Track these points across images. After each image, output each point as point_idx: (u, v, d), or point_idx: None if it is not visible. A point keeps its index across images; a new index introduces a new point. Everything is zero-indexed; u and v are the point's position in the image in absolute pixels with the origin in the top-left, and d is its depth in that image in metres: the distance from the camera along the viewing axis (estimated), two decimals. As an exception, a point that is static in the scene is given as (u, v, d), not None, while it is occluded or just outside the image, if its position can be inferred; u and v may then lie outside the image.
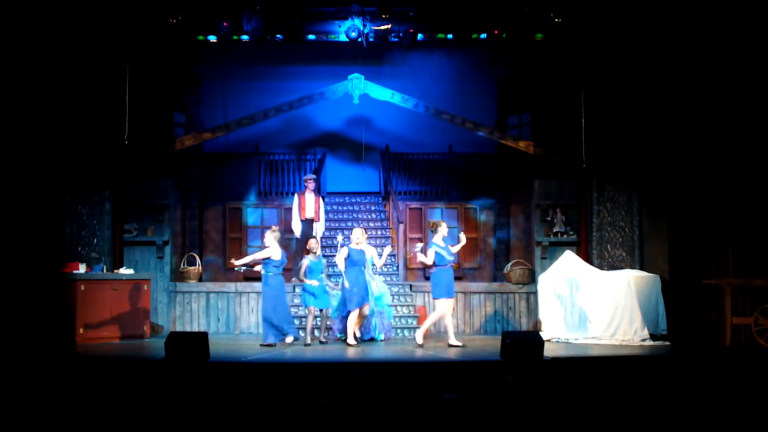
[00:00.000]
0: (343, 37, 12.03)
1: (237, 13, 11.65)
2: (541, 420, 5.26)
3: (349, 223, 13.81)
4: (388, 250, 10.83)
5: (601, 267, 11.50)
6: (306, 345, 10.14)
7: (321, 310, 10.54)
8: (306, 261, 10.50)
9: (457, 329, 11.61)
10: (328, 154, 14.90)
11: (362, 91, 12.18)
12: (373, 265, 10.77)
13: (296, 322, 11.22)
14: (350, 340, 10.17)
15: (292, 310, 11.49)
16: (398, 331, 11.50)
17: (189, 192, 13.88)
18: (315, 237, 11.62)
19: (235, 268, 10.62)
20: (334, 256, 11.31)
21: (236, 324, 12.11)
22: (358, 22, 11.74)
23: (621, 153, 11.70)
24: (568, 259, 11.32)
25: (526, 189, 13.22)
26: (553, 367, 8.34)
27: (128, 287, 11.18)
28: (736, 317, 10.31)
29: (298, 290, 11.53)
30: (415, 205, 14.66)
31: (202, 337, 8.26)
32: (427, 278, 13.80)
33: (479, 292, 12.30)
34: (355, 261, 10.30)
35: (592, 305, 10.75)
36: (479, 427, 4.99)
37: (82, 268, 10.93)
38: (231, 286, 12.35)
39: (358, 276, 10.26)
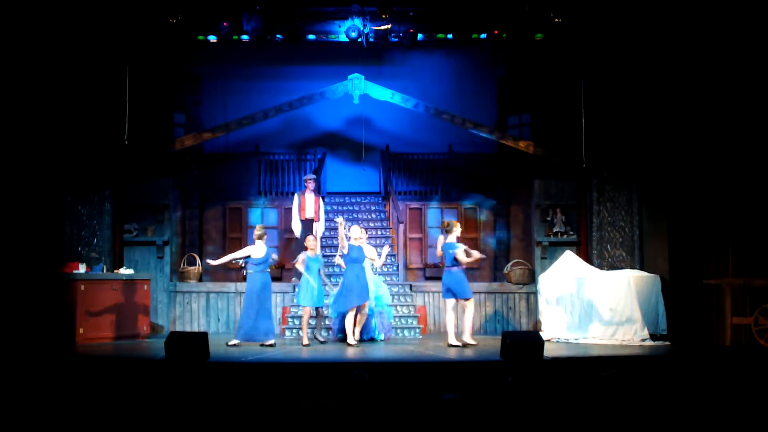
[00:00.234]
0: (343, 37, 12.03)
1: (237, 13, 11.65)
2: (541, 420, 5.26)
3: (350, 223, 13.77)
4: (386, 249, 10.77)
5: (601, 267, 11.50)
6: (304, 345, 10.12)
7: (317, 309, 10.51)
8: (303, 255, 10.50)
9: (458, 329, 11.59)
10: (328, 154, 14.89)
11: (362, 91, 12.18)
12: (373, 265, 10.76)
13: (295, 322, 11.23)
14: (350, 339, 10.11)
15: (292, 310, 11.49)
16: (398, 331, 11.49)
17: (189, 192, 13.89)
18: (314, 235, 11.61)
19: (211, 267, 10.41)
20: (334, 256, 11.31)
21: (236, 324, 12.08)
22: (358, 22, 11.74)
23: (621, 153, 11.70)
24: (568, 259, 11.32)
25: (526, 189, 13.22)
26: (553, 367, 8.34)
27: (128, 287, 11.18)
28: (736, 317, 10.30)
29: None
30: (415, 205, 14.66)
31: (202, 337, 8.26)
32: (427, 278, 13.82)
33: (479, 292, 12.26)
34: (354, 258, 10.25)
35: (592, 305, 10.75)
36: (479, 427, 4.99)
37: (82, 268, 10.93)
38: (231, 286, 12.35)
39: (358, 273, 10.21)
